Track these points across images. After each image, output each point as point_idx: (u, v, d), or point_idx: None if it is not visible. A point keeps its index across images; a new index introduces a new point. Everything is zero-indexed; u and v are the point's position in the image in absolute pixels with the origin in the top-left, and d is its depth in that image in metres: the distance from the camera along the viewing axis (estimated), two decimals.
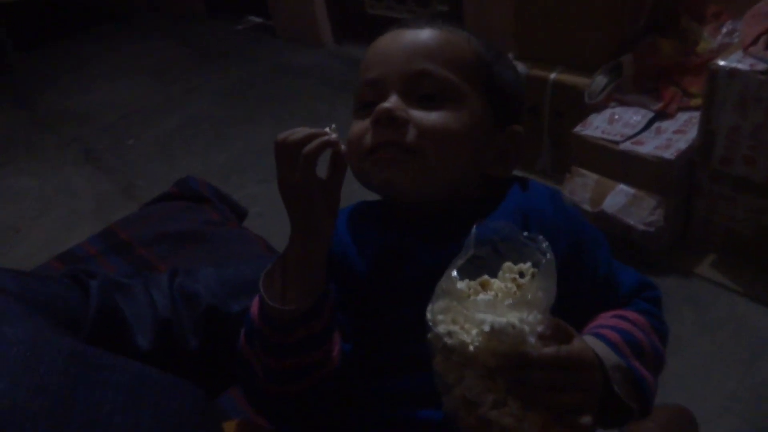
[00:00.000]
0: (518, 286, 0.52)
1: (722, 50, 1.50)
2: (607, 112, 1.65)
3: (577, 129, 1.63)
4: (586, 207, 1.59)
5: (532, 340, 0.50)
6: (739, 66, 1.31)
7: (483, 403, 0.50)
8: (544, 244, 0.52)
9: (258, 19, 3.84)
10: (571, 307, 0.63)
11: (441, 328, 0.50)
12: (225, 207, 1.17)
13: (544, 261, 0.51)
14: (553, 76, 1.76)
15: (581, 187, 1.62)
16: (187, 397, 0.53)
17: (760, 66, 1.29)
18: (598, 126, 1.62)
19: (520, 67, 1.83)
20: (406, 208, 0.67)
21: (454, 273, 0.51)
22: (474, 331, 0.50)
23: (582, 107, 1.69)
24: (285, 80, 3.02)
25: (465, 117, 0.62)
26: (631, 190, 1.54)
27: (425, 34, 0.64)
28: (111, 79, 3.39)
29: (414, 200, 0.64)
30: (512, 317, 0.49)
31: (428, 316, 0.51)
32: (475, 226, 0.54)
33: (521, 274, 0.53)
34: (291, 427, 0.67)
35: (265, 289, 0.59)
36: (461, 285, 0.52)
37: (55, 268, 1.05)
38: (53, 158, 2.64)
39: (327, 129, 0.60)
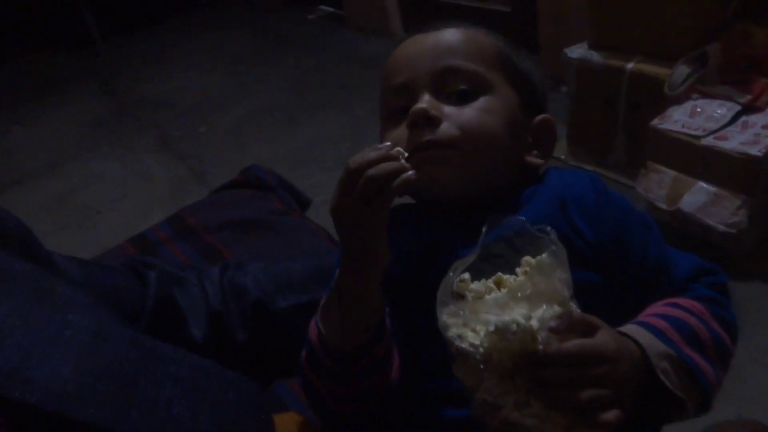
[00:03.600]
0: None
1: None
2: (688, 105, 1.56)
3: (655, 122, 1.55)
4: (662, 205, 1.51)
5: (543, 336, 0.47)
6: None
7: (504, 406, 0.48)
8: (553, 235, 0.50)
9: (329, 9, 3.89)
10: (621, 296, 0.60)
11: (451, 333, 0.49)
12: (289, 196, 1.19)
13: (547, 251, 0.49)
14: (630, 65, 1.68)
15: (657, 184, 1.54)
16: (243, 389, 0.54)
17: None
18: (678, 119, 1.53)
19: (595, 56, 1.75)
20: (443, 205, 0.65)
21: (451, 274, 0.50)
22: (482, 333, 0.48)
23: (661, 99, 1.59)
24: (355, 69, 3.03)
25: (499, 106, 0.63)
26: (712, 189, 1.45)
27: (446, 34, 0.66)
28: (187, 67, 3.51)
29: (459, 195, 0.63)
30: (517, 314, 0.47)
31: (439, 321, 0.50)
32: (484, 226, 0.52)
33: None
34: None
35: (324, 322, 0.58)
36: (475, 285, 0.51)
37: (127, 250, 1.09)
38: (133, 143, 2.76)
39: (400, 158, 0.53)
